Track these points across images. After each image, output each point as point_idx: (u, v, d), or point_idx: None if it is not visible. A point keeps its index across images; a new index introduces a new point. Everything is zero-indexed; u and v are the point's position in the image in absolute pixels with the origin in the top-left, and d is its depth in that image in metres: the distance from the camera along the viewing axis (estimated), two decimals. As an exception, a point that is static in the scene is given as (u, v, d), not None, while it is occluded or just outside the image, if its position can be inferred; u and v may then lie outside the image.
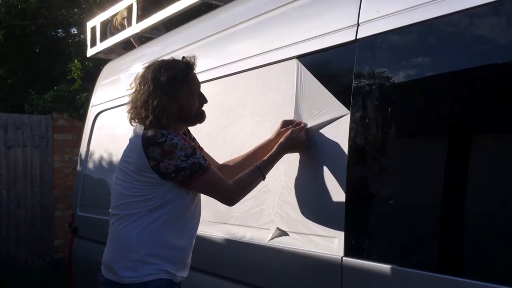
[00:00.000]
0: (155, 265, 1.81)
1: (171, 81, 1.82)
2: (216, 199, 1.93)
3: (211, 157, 2.12)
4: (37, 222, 6.63)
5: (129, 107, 1.90)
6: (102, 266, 1.91)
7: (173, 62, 1.88)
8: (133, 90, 1.89)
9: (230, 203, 1.94)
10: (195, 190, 1.88)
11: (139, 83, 1.87)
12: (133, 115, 1.88)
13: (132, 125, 1.92)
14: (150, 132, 1.80)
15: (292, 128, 1.95)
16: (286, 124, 2.01)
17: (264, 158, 1.95)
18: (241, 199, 1.93)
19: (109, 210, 1.95)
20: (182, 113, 1.87)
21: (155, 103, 1.79)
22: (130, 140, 1.91)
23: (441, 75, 1.57)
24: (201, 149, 2.05)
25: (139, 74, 1.90)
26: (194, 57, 1.91)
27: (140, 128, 1.86)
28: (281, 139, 1.96)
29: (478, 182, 1.44)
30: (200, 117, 1.94)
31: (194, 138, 2.10)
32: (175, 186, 1.82)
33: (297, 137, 1.93)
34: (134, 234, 1.81)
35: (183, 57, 1.92)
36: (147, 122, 1.81)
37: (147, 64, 1.92)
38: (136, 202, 1.82)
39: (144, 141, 1.79)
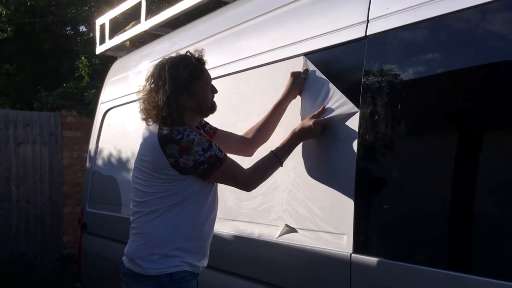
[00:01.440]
0: (179, 257, 1.86)
1: (189, 77, 1.84)
2: (235, 187, 1.98)
3: (230, 133, 2.17)
4: (46, 219, 6.68)
5: (144, 107, 1.89)
6: (124, 257, 1.95)
7: (186, 59, 1.90)
8: (147, 90, 1.88)
9: (248, 190, 1.98)
10: (214, 181, 1.92)
11: (157, 83, 1.85)
12: (150, 115, 1.87)
13: (148, 125, 1.92)
14: (165, 130, 1.82)
15: (309, 117, 1.94)
16: (295, 74, 2.03)
17: (280, 144, 1.97)
18: (258, 185, 1.96)
19: (131, 207, 1.98)
20: (199, 107, 1.91)
21: (178, 101, 1.82)
22: (145, 138, 1.92)
23: (451, 72, 1.56)
24: (215, 130, 2.14)
25: (153, 74, 1.89)
26: (202, 50, 1.94)
27: (155, 126, 1.87)
28: (296, 127, 1.96)
29: (488, 181, 1.43)
30: (212, 108, 1.98)
31: (206, 123, 2.15)
32: (195, 179, 1.85)
33: (312, 125, 1.90)
34: (160, 229, 1.86)
35: (188, 52, 1.94)
36: (169, 120, 1.82)
37: (158, 63, 1.91)
38: (158, 198, 1.86)
39: (160, 139, 1.81)
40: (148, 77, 1.91)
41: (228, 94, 2.45)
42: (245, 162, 2.08)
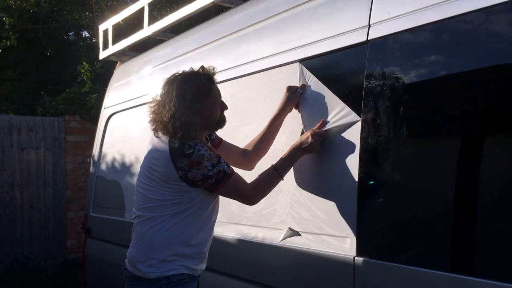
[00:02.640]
0: (177, 261, 1.92)
1: (195, 96, 1.88)
2: (238, 200, 2.03)
3: (232, 145, 2.22)
4: (50, 223, 6.69)
5: (153, 120, 1.94)
6: (126, 260, 2.01)
7: (195, 77, 1.93)
8: (157, 104, 1.93)
9: (250, 204, 2.04)
10: (219, 194, 2.00)
11: (164, 99, 1.90)
12: (158, 128, 1.92)
13: (156, 137, 1.96)
14: (177, 143, 1.87)
15: (313, 130, 1.96)
16: (291, 89, 2.07)
17: (281, 158, 2.00)
18: (260, 199, 2.00)
19: (133, 210, 2.03)
20: (206, 123, 1.96)
21: (182, 119, 1.85)
22: (155, 147, 1.96)
23: (453, 75, 1.56)
24: (220, 140, 2.19)
25: (163, 88, 1.94)
26: (214, 68, 1.98)
27: (165, 138, 1.92)
28: (296, 142, 1.99)
29: (490, 184, 1.43)
30: (221, 123, 2.03)
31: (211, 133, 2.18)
32: (202, 191, 1.92)
33: (312, 139, 1.92)
34: (159, 236, 1.91)
35: (202, 67, 1.97)
36: (176, 137, 1.87)
37: (169, 77, 1.95)
38: (162, 206, 1.92)
39: (172, 153, 1.87)
40: (159, 93, 1.95)
41: (231, 98, 2.46)
42: (246, 173, 2.11)
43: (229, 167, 1.92)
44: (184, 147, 1.85)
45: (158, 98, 1.94)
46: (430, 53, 1.64)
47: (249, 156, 2.17)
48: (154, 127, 1.94)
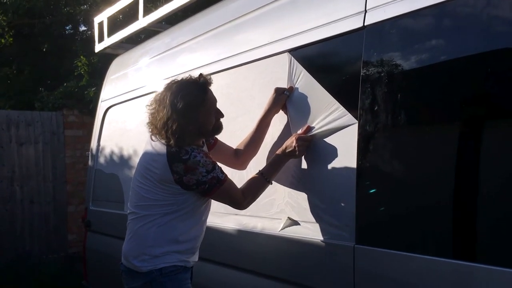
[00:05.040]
0: (170, 256, 1.98)
1: (188, 107, 1.91)
2: (229, 205, 2.08)
3: (226, 145, 2.25)
4: (51, 218, 6.69)
5: (150, 123, 1.99)
6: (122, 255, 2.08)
7: (190, 86, 1.95)
8: (153, 110, 1.98)
9: (240, 209, 2.09)
10: (211, 199, 2.06)
11: (158, 106, 1.95)
12: (154, 132, 1.98)
13: (153, 140, 2.01)
14: (174, 148, 1.93)
15: (296, 135, 1.99)
16: (278, 91, 2.08)
17: (268, 163, 2.07)
18: (250, 204, 2.05)
19: (128, 206, 2.10)
20: (200, 131, 1.99)
21: (174, 127, 1.90)
22: (153, 148, 2.00)
23: (452, 61, 1.53)
24: (215, 140, 2.22)
25: (158, 95, 1.98)
26: (210, 78, 2.00)
27: (164, 140, 1.96)
28: (283, 146, 2.01)
29: (489, 174, 1.42)
30: (217, 130, 2.07)
31: None
32: (194, 194, 1.98)
33: (299, 143, 1.95)
34: (151, 233, 1.98)
35: (200, 75, 1.99)
36: (169, 141, 1.92)
37: (168, 83, 1.99)
38: (155, 205, 1.98)
39: (169, 157, 1.93)
40: (155, 98, 1.99)
41: (227, 88, 2.45)
42: (236, 177, 2.13)
43: (223, 173, 1.98)
44: (181, 152, 1.91)
45: (154, 102, 1.98)
46: (429, 38, 1.61)
47: (241, 157, 2.22)
48: (150, 130, 2.00)
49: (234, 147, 2.26)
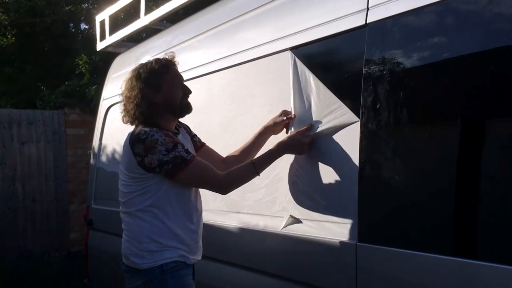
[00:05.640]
0: (168, 251, 1.95)
1: (151, 73, 1.95)
2: (208, 189, 2.03)
3: (214, 151, 2.23)
4: (53, 216, 6.71)
5: (122, 110, 2.02)
6: (122, 256, 2.05)
7: (153, 60, 2.00)
8: (124, 97, 2.01)
9: (221, 193, 2.02)
10: (183, 182, 1.94)
11: (125, 84, 2.00)
12: (127, 118, 2.00)
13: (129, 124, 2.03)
14: (136, 131, 1.93)
15: (298, 131, 1.98)
16: (285, 114, 2.07)
17: (261, 155, 2.02)
18: (232, 190, 2.00)
19: (120, 207, 2.08)
20: (167, 104, 1.97)
21: (139, 96, 1.92)
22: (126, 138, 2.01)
23: (455, 59, 1.53)
24: (202, 144, 2.19)
25: (126, 78, 2.01)
26: (172, 53, 2.05)
27: (132, 128, 1.99)
28: (283, 139, 2.00)
29: (490, 171, 1.42)
30: (186, 108, 2.03)
31: (195, 135, 2.22)
32: (164, 179, 1.91)
33: (300, 140, 1.95)
34: (144, 229, 1.95)
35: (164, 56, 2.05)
36: (141, 119, 1.93)
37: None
38: (134, 197, 1.95)
39: (130, 140, 1.92)
40: (123, 82, 2.03)
41: (229, 87, 2.45)
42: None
43: (189, 153, 1.89)
44: (140, 133, 1.89)
45: (124, 84, 2.01)
46: (431, 36, 1.61)
47: (228, 167, 2.10)
48: (125, 119, 2.01)
49: (234, 147, 2.23)
